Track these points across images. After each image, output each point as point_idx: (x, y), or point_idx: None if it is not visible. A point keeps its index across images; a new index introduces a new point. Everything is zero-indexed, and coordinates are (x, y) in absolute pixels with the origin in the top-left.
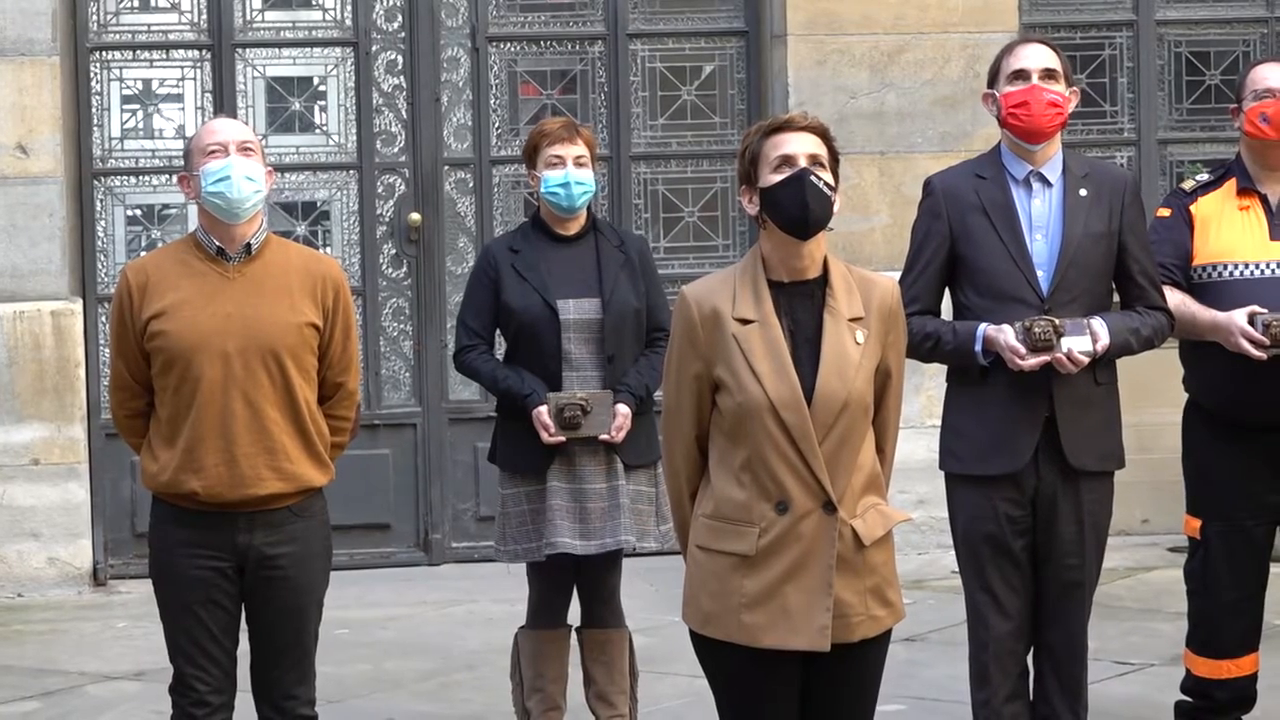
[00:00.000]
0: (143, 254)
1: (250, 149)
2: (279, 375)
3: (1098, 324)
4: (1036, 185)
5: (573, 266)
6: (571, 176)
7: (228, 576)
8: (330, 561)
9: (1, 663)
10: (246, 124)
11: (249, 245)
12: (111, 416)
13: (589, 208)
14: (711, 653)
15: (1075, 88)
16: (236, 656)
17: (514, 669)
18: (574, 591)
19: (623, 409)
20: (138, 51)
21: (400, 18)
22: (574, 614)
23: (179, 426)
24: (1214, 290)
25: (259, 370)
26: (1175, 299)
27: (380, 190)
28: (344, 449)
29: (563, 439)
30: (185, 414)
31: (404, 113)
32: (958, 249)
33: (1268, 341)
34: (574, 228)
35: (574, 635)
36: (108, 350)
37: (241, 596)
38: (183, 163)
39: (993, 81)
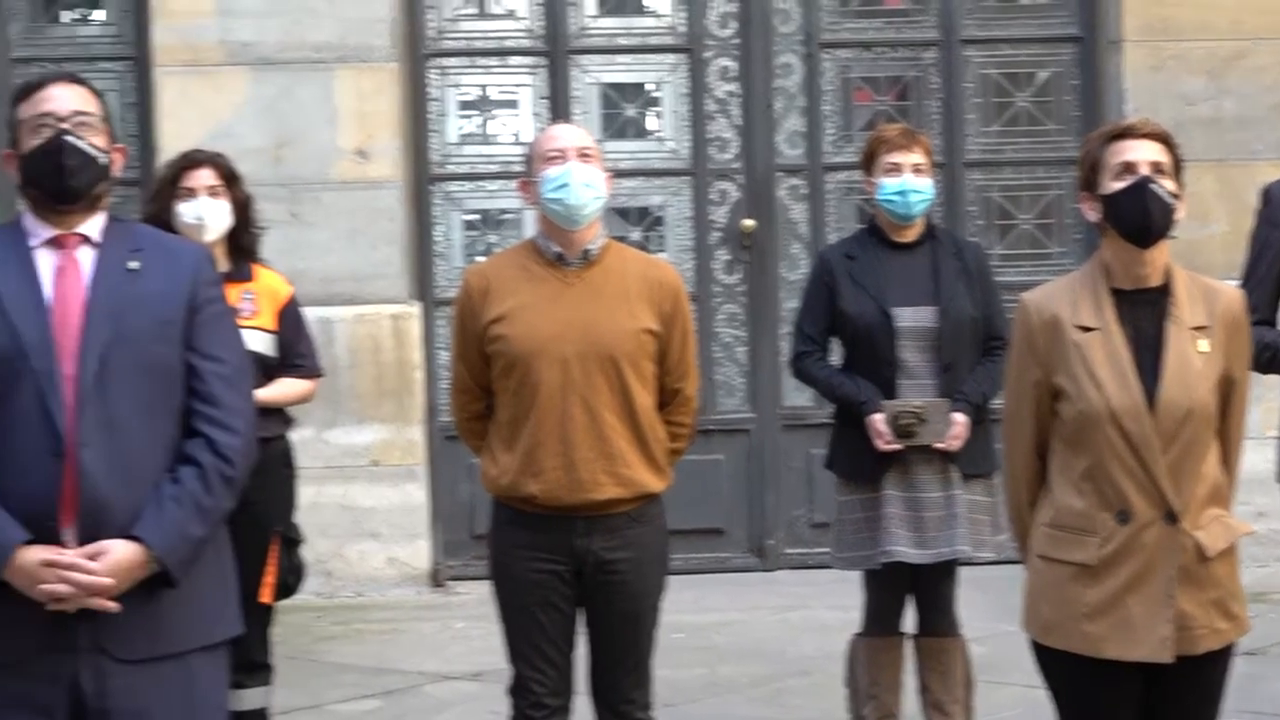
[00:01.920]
0: (480, 259)
1: (589, 155)
2: (617, 381)
3: None
4: None
5: (909, 274)
6: (909, 184)
7: (565, 580)
8: (667, 567)
9: (343, 661)
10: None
11: (587, 251)
12: (453, 419)
13: (926, 215)
14: (1052, 662)
15: None
16: (574, 660)
17: (849, 676)
18: (909, 599)
19: (959, 417)
20: (475, 58)
21: (734, 24)
22: (909, 622)
23: (519, 430)
24: None
25: (597, 376)
26: None
27: (714, 196)
28: (682, 455)
29: (899, 447)
30: (525, 418)
31: (737, 119)
32: None
33: None
34: (911, 235)
35: (909, 643)
36: (447, 353)
37: (579, 600)
38: (521, 168)
39: None
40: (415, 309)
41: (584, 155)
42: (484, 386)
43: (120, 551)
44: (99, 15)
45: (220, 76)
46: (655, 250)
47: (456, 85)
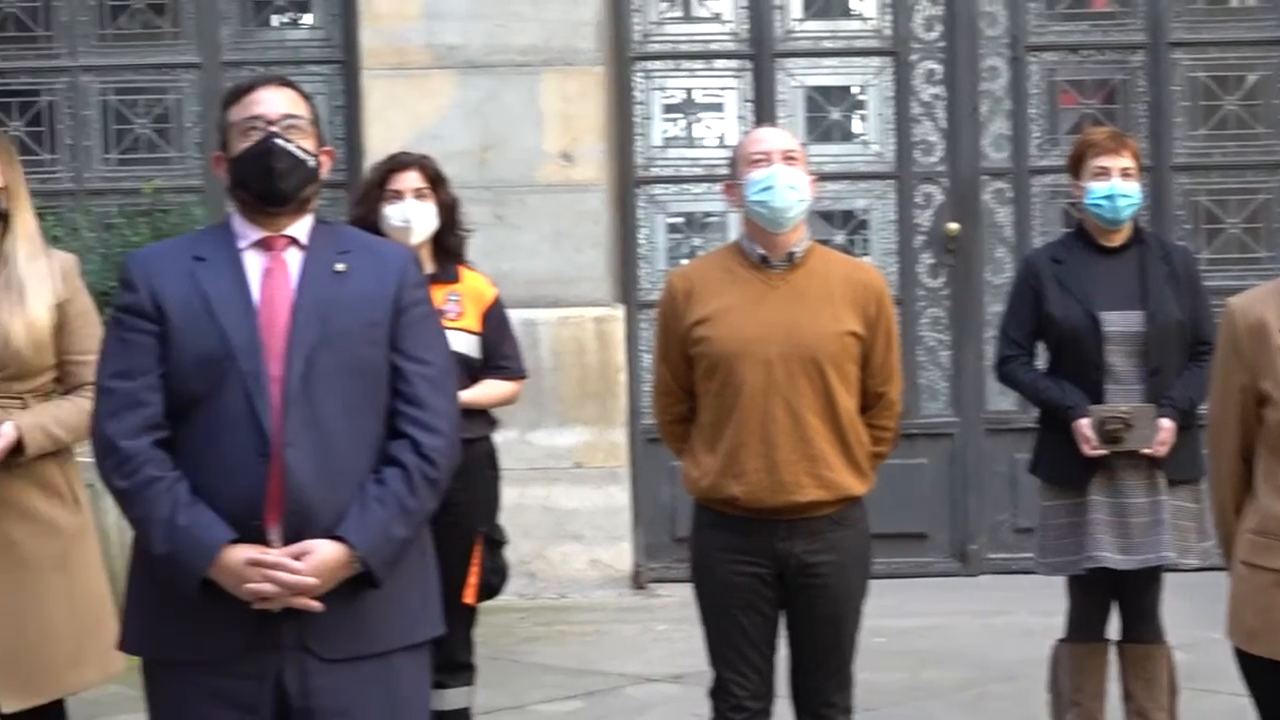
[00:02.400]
0: (684, 262)
1: (794, 158)
2: (820, 383)
3: None
4: None
5: (1116, 278)
6: (1117, 189)
7: (767, 583)
8: (869, 570)
9: (545, 662)
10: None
11: (792, 254)
12: (655, 422)
13: (1133, 219)
14: (1256, 670)
15: None
16: (775, 663)
17: (1051, 682)
18: (1113, 606)
19: (1166, 423)
20: (679, 61)
21: (939, 27)
22: (1114, 628)
23: (721, 431)
24: None
25: (800, 377)
26: None
27: (918, 200)
28: (884, 459)
29: (1104, 452)
30: (727, 419)
31: (942, 122)
32: None
33: None
34: (1118, 239)
35: (1113, 650)
36: (650, 356)
37: (780, 603)
38: (725, 171)
39: None
40: (619, 311)
41: (789, 158)
42: (686, 389)
43: (325, 551)
44: (308, 19)
45: (427, 80)
46: (859, 254)
47: (661, 88)
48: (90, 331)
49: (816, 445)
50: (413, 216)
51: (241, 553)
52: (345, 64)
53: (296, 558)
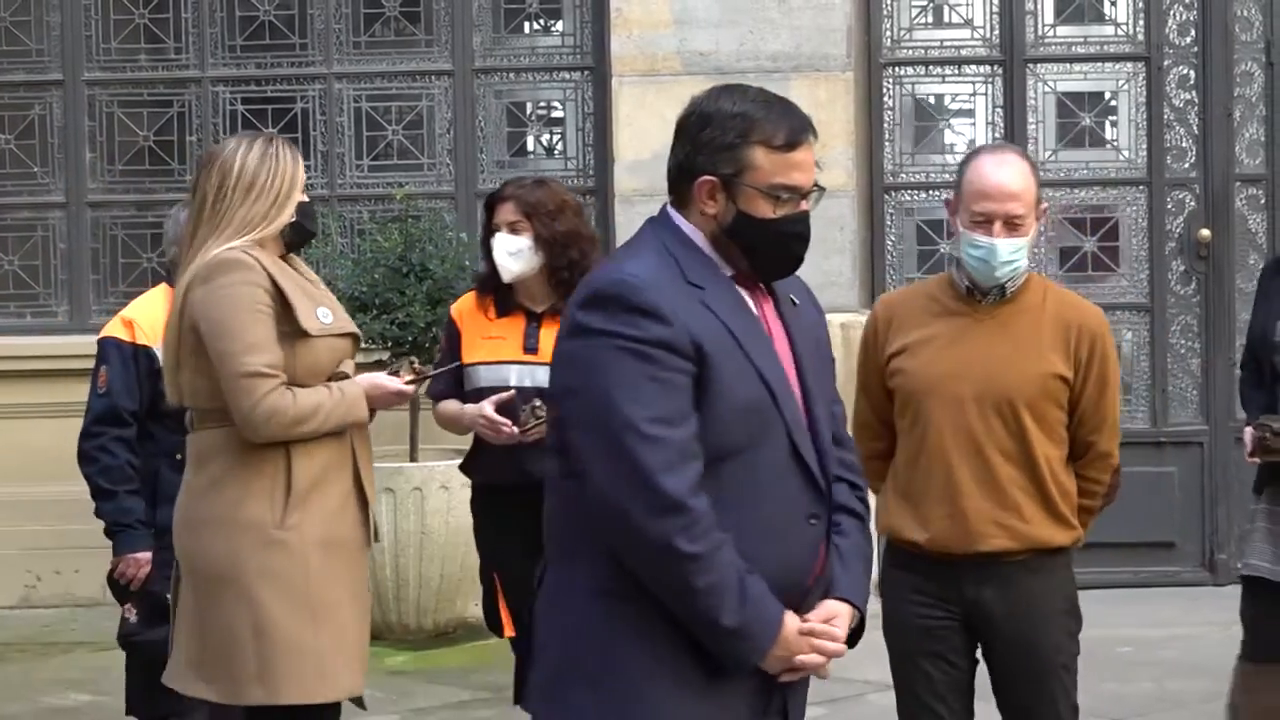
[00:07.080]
0: (916, 278)
1: (1018, 223)
2: (1015, 427)
3: None
4: None
5: None
6: None
7: (956, 631)
8: (1078, 624)
9: None
10: (1034, 142)
11: (1004, 288)
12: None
13: None
14: None
15: None
16: (973, 714)
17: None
18: None
19: None
20: (929, 67)
21: (1193, 32)
22: None
23: (911, 472)
24: None
25: (994, 419)
26: None
27: (1170, 206)
28: (1095, 513)
29: (1259, 461)
30: (916, 460)
31: (1195, 128)
32: None
33: None
34: None
35: None
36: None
37: (977, 657)
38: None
39: None
40: (865, 318)
41: (1012, 224)
42: (886, 422)
43: (845, 615)
44: (559, 26)
45: (677, 87)
46: (1109, 260)
47: (911, 94)
48: None
49: (1009, 494)
50: (500, 249)
51: (794, 622)
52: (595, 70)
53: (826, 622)
